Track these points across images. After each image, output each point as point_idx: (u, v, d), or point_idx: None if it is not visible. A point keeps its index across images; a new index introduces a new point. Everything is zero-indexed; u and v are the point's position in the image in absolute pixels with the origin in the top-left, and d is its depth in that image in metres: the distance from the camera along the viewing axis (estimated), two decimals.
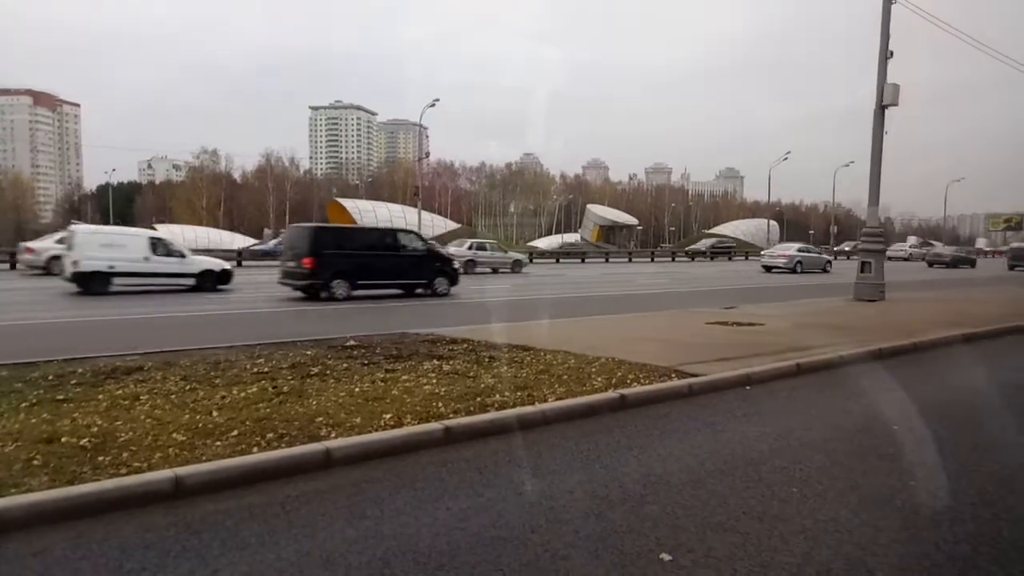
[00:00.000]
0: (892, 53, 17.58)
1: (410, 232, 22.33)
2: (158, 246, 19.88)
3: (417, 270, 19.42)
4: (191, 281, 19.83)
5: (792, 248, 39.68)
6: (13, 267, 31.31)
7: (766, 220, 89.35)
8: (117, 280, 18.66)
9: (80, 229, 20.81)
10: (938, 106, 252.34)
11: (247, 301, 18.28)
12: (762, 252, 45.14)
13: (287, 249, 19.14)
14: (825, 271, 36.95)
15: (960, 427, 6.12)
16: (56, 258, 25.11)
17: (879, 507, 4.18)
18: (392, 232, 22.16)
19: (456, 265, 21.46)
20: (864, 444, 5.53)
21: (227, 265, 21.42)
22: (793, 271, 35.93)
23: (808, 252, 39.14)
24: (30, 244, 29.77)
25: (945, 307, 16.28)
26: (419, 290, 19.41)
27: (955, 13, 22.58)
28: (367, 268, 18.23)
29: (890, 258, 67.59)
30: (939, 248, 61.73)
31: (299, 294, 17.95)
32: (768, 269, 37.29)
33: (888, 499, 4.32)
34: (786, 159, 75.88)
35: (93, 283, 18.30)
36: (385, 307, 17.02)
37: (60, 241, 26.21)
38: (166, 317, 14.36)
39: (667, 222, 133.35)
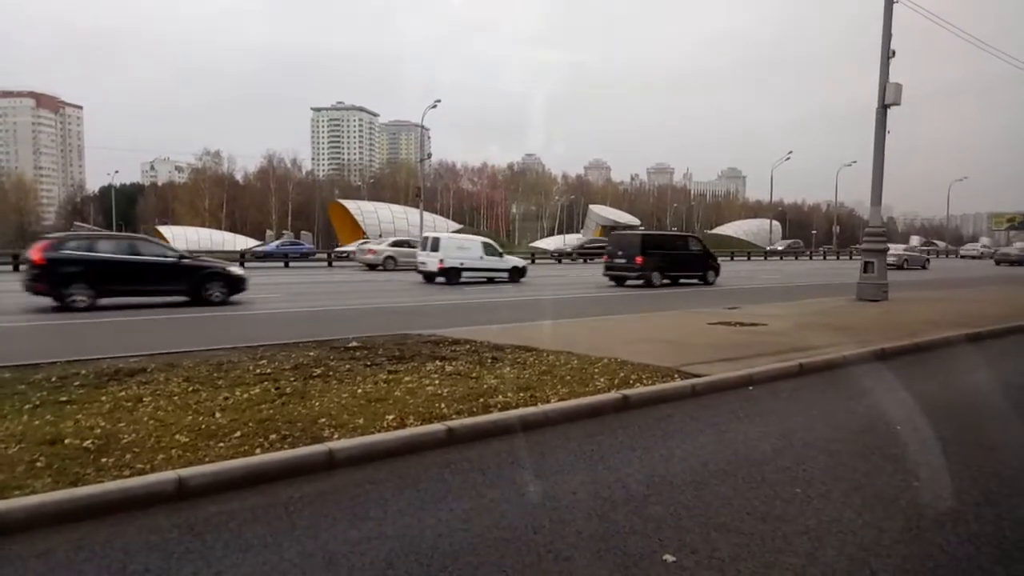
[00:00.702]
0: (894, 52, 17.56)
1: (694, 236, 32.24)
2: (487, 248, 26.60)
3: (696, 265, 25.94)
4: (506, 275, 26.42)
5: (900, 248, 51.21)
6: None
7: (768, 220, 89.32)
8: (464, 274, 25.32)
9: (443, 235, 27.90)
10: (941, 106, 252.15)
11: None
12: None
13: (615, 249, 25.76)
14: (924, 268, 45.46)
15: (963, 427, 6.11)
16: (391, 258, 34.73)
17: (883, 508, 4.17)
18: (683, 236, 31.94)
19: (719, 261, 27.67)
20: (867, 444, 5.52)
21: (526, 263, 29.23)
22: (900, 268, 43.38)
23: (912, 251, 51.82)
24: (371, 246, 38.30)
25: (949, 307, 16.24)
26: (695, 280, 25.59)
27: (957, 12, 22.52)
28: (670, 264, 24.91)
29: (963, 256, 74.42)
30: (1007, 248, 71.28)
31: (612, 283, 25.06)
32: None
33: (892, 500, 4.31)
34: (788, 159, 75.91)
35: (451, 276, 24.90)
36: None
37: (394, 244, 36.68)
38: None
39: (669, 222, 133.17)
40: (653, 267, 24.06)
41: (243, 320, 14.15)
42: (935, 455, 5.22)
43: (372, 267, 34.78)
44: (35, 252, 15.08)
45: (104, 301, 14.89)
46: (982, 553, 3.59)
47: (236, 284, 16.76)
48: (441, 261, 24.64)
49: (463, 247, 25.88)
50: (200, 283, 16.09)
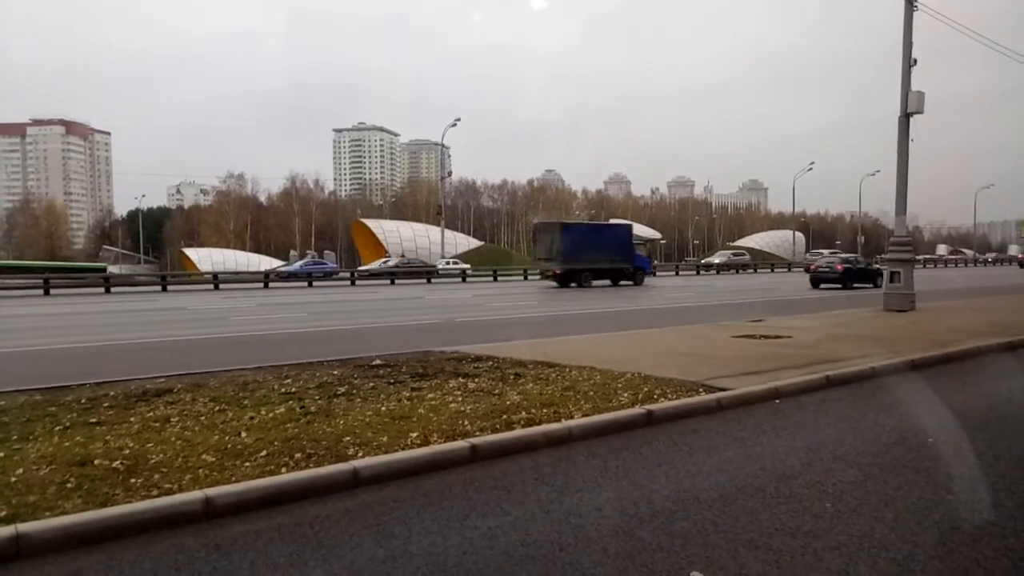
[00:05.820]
0: (916, 61, 17.40)
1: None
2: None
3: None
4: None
5: (1017, 247, 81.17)
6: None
7: (791, 231, 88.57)
8: None
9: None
10: (966, 111, 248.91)
11: None
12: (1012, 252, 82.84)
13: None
14: None
15: (997, 439, 5.97)
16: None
17: (916, 522, 4.09)
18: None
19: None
20: (898, 457, 5.42)
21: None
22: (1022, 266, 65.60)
23: None
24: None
25: (978, 316, 15.95)
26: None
27: (980, 16, 22.32)
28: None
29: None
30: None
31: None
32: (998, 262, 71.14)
33: (925, 514, 4.22)
34: (810, 169, 75.40)
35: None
36: None
37: None
38: None
39: (691, 235, 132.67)
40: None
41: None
42: (968, 468, 5.11)
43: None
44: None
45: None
46: (1019, 568, 3.50)
47: None
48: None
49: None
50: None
